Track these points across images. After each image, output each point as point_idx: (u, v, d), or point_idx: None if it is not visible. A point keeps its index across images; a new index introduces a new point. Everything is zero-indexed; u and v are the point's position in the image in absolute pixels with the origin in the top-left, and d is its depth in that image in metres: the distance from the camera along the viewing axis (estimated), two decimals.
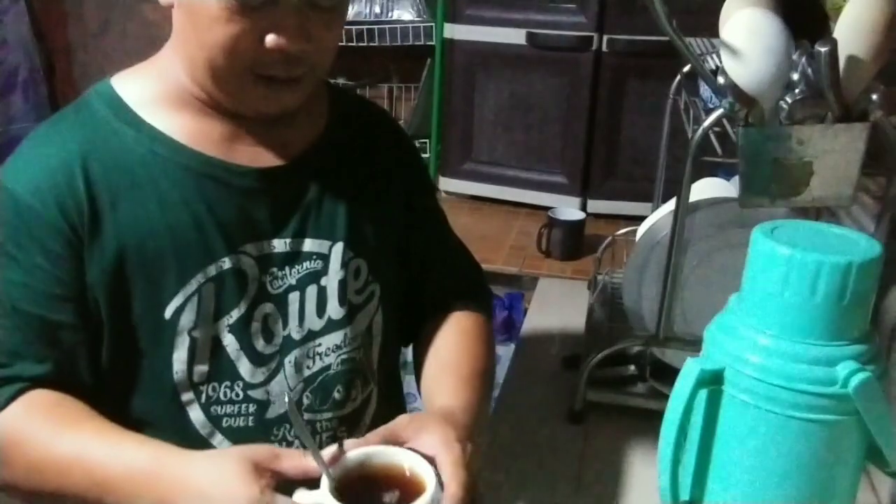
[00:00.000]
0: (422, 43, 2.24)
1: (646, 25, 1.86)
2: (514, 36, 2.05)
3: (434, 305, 0.95)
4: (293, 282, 0.84)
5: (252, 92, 0.76)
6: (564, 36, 2.00)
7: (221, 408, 0.82)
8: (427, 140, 2.26)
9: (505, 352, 1.84)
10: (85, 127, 0.78)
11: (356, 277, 0.88)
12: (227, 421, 0.82)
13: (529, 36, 2.03)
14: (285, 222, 0.83)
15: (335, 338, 0.86)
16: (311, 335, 0.85)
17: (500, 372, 1.74)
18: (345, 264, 0.86)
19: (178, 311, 0.78)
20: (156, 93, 0.80)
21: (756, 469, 0.67)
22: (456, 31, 2.13)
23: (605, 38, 1.98)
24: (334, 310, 0.86)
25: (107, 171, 0.76)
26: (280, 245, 0.83)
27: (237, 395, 0.82)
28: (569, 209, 1.97)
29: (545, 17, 2.03)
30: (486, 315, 0.97)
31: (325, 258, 0.85)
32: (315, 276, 0.85)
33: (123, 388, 0.80)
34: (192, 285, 0.78)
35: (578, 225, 1.89)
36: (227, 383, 0.81)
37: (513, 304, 1.87)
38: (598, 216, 2.06)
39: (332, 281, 0.86)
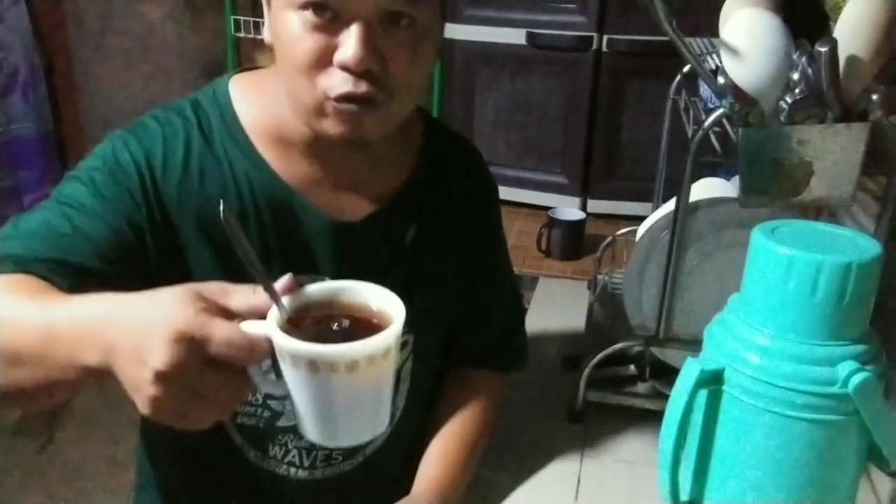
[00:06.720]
0: None
1: (646, 25, 1.86)
2: (514, 36, 2.05)
3: (462, 356, 0.99)
4: None
5: (330, 115, 0.74)
6: (564, 36, 2.01)
7: (240, 407, 0.84)
8: None
9: None
10: (193, 128, 0.80)
11: None
12: (241, 418, 0.85)
13: (529, 36, 2.03)
14: (342, 269, 0.83)
15: None
16: None
17: None
18: None
19: None
20: (264, 116, 0.81)
21: (756, 469, 0.67)
22: (456, 31, 2.13)
23: (605, 38, 1.98)
24: None
25: (190, 181, 0.78)
26: None
27: (257, 400, 0.84)
28: (569, 209, 1.97)
29: (545, 17, 2.03)
30: (507, 372, 1.03)
31: None
32: None
33: None
34: None
35: (578, 225, 1.89)
36: None
37: None
38: (598, 216, 2.06)
39: None
